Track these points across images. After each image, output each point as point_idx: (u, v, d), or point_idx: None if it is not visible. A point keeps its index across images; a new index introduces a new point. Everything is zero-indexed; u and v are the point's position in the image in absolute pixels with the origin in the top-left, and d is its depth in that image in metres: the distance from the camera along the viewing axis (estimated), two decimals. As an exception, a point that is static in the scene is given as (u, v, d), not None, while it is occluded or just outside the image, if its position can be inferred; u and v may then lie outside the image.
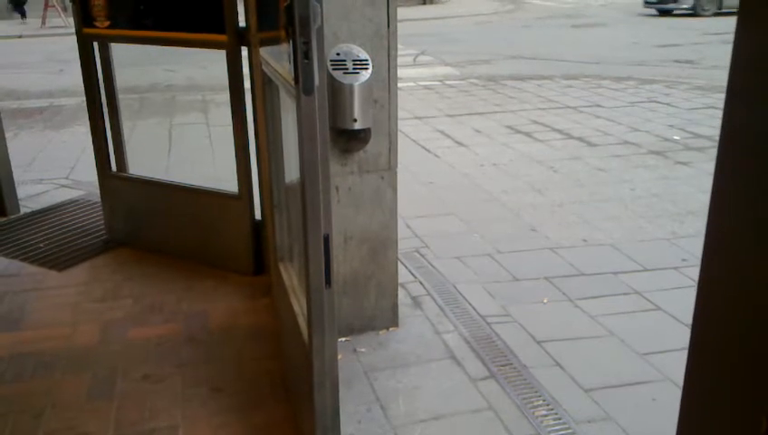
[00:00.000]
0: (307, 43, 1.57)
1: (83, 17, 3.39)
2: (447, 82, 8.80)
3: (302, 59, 1.58)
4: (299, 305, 2.15)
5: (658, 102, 7.26)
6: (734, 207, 0.66)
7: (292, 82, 1.67)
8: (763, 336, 0.62)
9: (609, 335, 2.80)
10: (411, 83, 8.61)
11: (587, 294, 3.15)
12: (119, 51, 3.62)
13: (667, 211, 4.17)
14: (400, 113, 2.79)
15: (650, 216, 4.12)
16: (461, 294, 3.15)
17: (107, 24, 3.36)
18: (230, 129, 3.19)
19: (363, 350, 2.70)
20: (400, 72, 2.63)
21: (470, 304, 3.05)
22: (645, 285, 3.19)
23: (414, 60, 10.91)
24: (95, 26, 3.38)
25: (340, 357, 2.61)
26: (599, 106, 7.16)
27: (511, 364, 2.59)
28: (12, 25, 17.17)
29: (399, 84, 2.86)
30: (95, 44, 3.49)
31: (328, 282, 1.81)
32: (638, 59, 10.37)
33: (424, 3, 21.36)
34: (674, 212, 4.15)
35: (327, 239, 1.78)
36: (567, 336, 2.80)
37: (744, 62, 0.63)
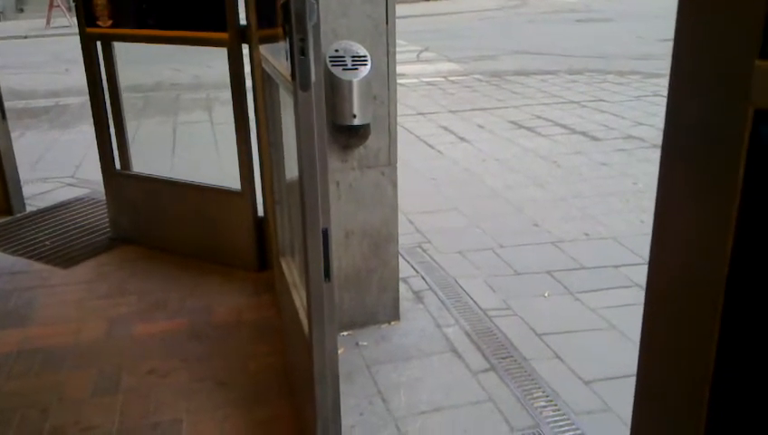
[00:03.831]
0: (303, 40, 1.59)
1: (86, 17, 3.43)
2: (451, 79, 8.81)
3: (298, 55, 1.61)
4: (300, 299, 2.17)
5: (663, 96, 7.22)
6: (679, 199, 0.68)
7: (290, 79, 1.70)
8: (707, 321, 0.64)
9: (610, 328, 2.82)
10: (414, 80, 8.61)
11: (588, 287, 3.16)
12: (125, 50, 3.65)
13: (670, 205, 4.18)
14: (403, 109, 2.82)
15: (652, 210, 4.10)
16: (462, 288, 3.17)
17: (109, 23, 3.39)
18: (232, 126, 3.22)
19: (365, 343, 2.73)
20: (403, 69, 2.66)
21: (471, 298, 3.07)
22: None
23: (417, 56, 10.90)
24: (98, 26, 3.41)
25: (342, 351, 2.64)
26: (602, 101, 7.15)
27: (511, 357, 2.61)
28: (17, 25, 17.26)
29: (402, 81, 2.89)
30: (98, 44, 3.53)
31: (327, 276, 1.84)
32: (643, 53, 10.34)
33: (428, -1, 21.33)
34: (676, 205, 4.15)
35: (326, 234, 1.80)
36: (568, 329, 2.82)
37: (686, 49, 0.65)
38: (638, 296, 3.07)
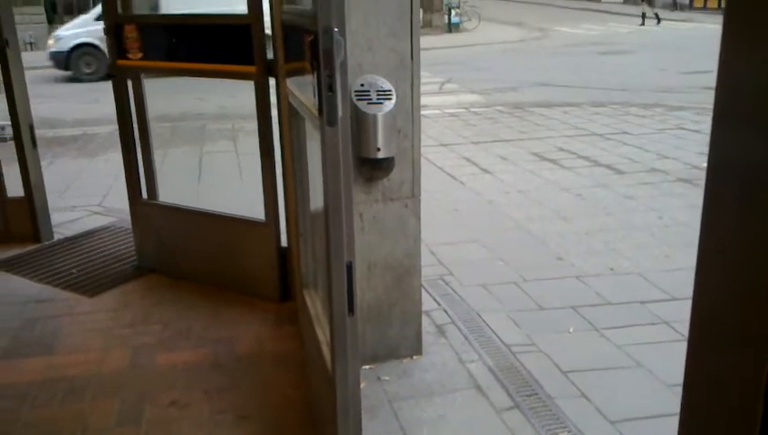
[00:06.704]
0: (331, 76, 1.61)
1: (117, 50, 3.51)
2: (473, 110, 8.84)
3: (326, 91, 1.63)
4: (323, 333, 2.16)
5: (687, 130, 7.20)
6: (725, 240, 0.67)
7: (317, 114, 1.71)
8: (754, 372, 0.63)
9: (637, 366, 2.76)
10: (437, 111, 8.66)
11: (613, 323, 3.11)
12: (152, 80, 3.72)
13: (696, 240, 4.11)
14: (425, 140, 2.83)
15: (678, 244, 4.07)
16: (485, 322, 3.14)
17: (140, 55, 3.46)
18: (258, 157, 3.25)
19: (387, 378, 2.70)
20: (426, 100, 2.68)
21: (495, 333, 3.03)
22: (673, 315, 3.15)
23: (440, 88, 10.98)
24: (128, 58, 3.49)
25: (363, 385, 2.62)
26: (626, 133, 7.12)
27: (536, 394, 2.57)
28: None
29: (425, 112, 2.91)
30: (128, 76, 3.60)
31: (351, 310, 1.83)
32: (666, 86, 10.31)
33: (450, 31, 21.55)
34: (703, 240, 4.09)
35: (350, 267, 1.80)
36: (593, 366, 2.77)
37: (729, 89, 0.64)
38: (665, 334, 3.01)
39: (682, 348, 2.96)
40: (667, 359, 2.78)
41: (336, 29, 1.56)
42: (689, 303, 2.99)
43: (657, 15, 22.23)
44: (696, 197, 4.97)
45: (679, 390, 2.73)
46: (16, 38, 4.01)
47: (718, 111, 0.68)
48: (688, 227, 4.36)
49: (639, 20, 22.20)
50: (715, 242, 0.69)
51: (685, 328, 3.13)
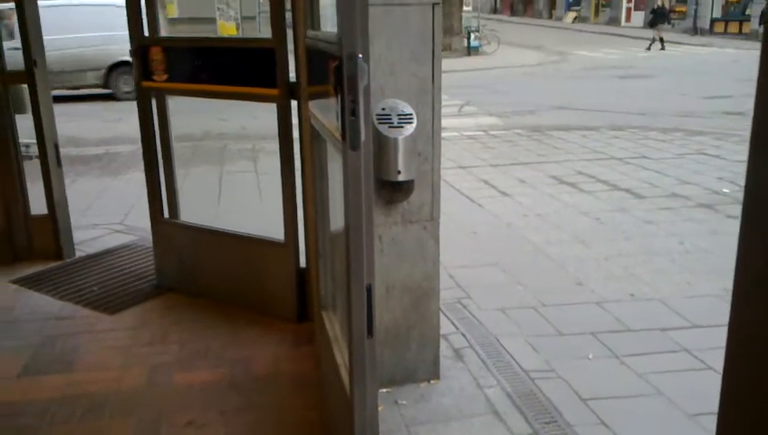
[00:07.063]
0: (354, 102, 1.63)
1: (143, 71, 3.57)
2: (492, 133, 8.86)
3: (349, 116, 1.65)
4: (341, 356, 2.16)
5: (707, 154, 7.15)
6: (761, 262, 0.66)
7: (339, 138, 1.73)
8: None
9: (657, 394, 2.73)
10: (455, 133, 8.68)
11: (634, 350, 3.08)
12: (175, 101, 3.78)
13: (717, 266, 4.07)
14: (444, 163, 2.84)
15: (700, 271, 4.02)
16: (504, 347, 3.12)
17: (164, 77, 3.52)
18: (278, 177, 3.28)
19: (404, 402, 2.69)
20: (445, 123, 2.70)
21: (513, 358, 3.01)
22: (694, 343, 3.11)
23: (459, 110, 11.02)
24: (153, 80, 3.55)
25: (381, 409, 2.60)
26: (645, 158, 7.09)
27: (555, 422, 2.54)
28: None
29: (444, 134, 2.93)
30: (153, 97, 3.66)
31: (370, 332, 1.83)
32: (686, 110, 10.27)
33: (469, 54, 21.68)
34: (724, 267, 4.04)
35: (369, 290, 1.81)
36: (613, 394, 2.74)
37: (767, 114, 0.64)
38: (686, 362, 2.97)
39: (703, 377, 2.93)
40: (688, 388, 2.75)
41: (360, 55, 1.58)
42: (711, 330, 2.97)
43: (653, 40, 22.16)
44: (718, 222, 4.93)
45: (700, 419, 2.69)
46: (44, 59, 4.10)
47: (756, 137, 0.67)
48: (710, 253, 4.32)
49: (659, 44, 22.20)
50: (753, 270, 0.69)
51: (706, 356, 3.12)
